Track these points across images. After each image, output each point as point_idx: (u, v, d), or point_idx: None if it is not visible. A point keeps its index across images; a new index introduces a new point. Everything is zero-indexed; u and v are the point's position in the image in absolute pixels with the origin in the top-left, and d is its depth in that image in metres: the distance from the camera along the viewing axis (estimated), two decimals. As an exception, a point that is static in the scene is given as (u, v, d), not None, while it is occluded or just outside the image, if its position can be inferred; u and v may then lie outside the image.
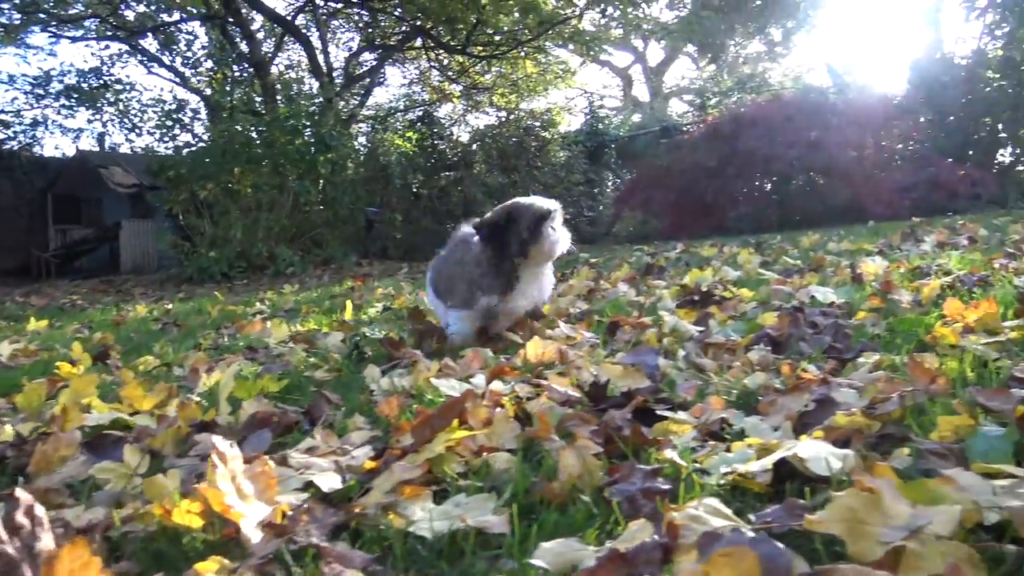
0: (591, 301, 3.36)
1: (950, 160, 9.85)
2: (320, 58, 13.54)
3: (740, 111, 10.90)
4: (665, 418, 1.43)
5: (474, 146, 12.63)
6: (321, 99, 11.28)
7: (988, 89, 10.14)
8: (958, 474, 0.99)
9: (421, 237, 11.13)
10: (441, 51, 13.63)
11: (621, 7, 9.77)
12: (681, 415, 1.46)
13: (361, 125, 14.57)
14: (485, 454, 1.35)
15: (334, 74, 13.84)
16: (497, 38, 12.88)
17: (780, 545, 0.78)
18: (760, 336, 2.09)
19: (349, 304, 3.97)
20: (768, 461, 1.04)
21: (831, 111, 10.23)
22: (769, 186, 11.11)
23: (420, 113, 13.78)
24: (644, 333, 2.36)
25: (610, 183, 15.05)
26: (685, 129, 12.66)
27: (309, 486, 1.30)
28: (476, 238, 2.62)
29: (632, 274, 4.03)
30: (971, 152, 10.16)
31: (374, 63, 14.40)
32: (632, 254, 6.85)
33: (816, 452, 1.02)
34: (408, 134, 12.50)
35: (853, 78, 12.50)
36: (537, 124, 12.71)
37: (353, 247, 10.33)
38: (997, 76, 10.19)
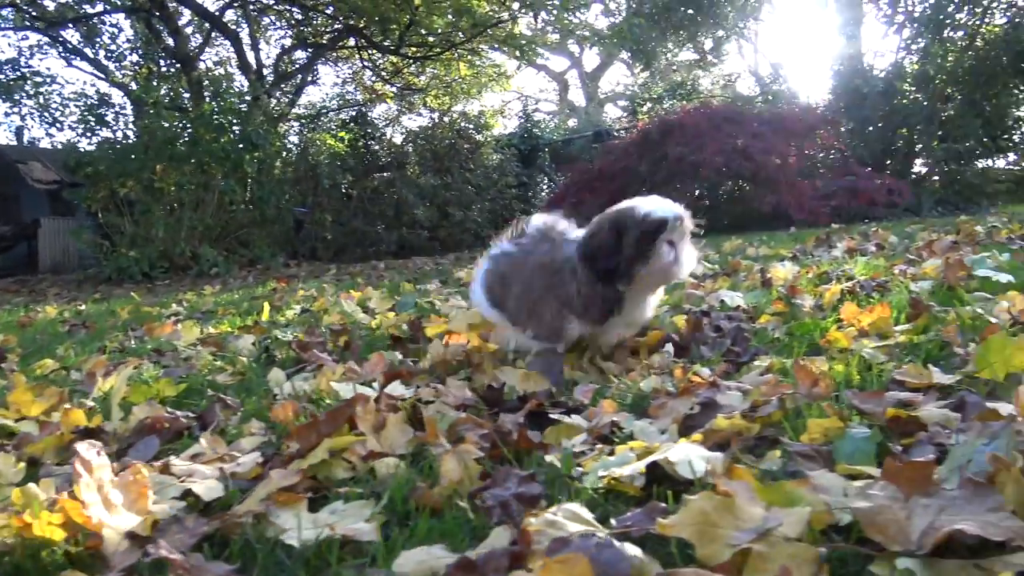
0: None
1: (869, 169, 10.19)
2: (250, 55, 13.28)
3: (669, 118, 11.08)
4: (558, 422, 1.43)
5: (407, 147, 12.54)
6: (249, 97, 11.07)
7: (904, 101, 10.52)
8: (821, 476, 1.01)
9: (352, 238, 11.00)
10: (374, 51, 13.50)
11: (555, 12, 9.82)
12: (574, 419, 1.47)
13: (293, 124, 14.35)
14: (373, 460, 1.33)
15: (264, 71, 13.59)
16: (431, 39, 12.82)
17: (631, 549, 0.78)
18: (665, 339, 2.12)
19: (267, 306, 3.89)
20: (640, 465, 1.04)
21: (757, 119, 10.48)
22: (699, 192, 11.33)
23: (353, 113, 13.63)
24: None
25: (545, 186, 15.14)
26: (617, 134, 12.81)
27: (188, 494, 1.26)
28: (566, 233, 2.09)
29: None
30: (889, 161, 10.54)
31: (306, 61, 14.17)
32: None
33: (685, 455, 1.03)
34: (340, 134, 12.35)
35: (779, 87, 12.85)
36: (471, 127, 12.70)
37: (281, 248, 10.15)
38: (913, 89, 10.59)
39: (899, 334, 1.95)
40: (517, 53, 12.59)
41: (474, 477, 1.16)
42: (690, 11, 13.06)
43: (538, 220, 2.18)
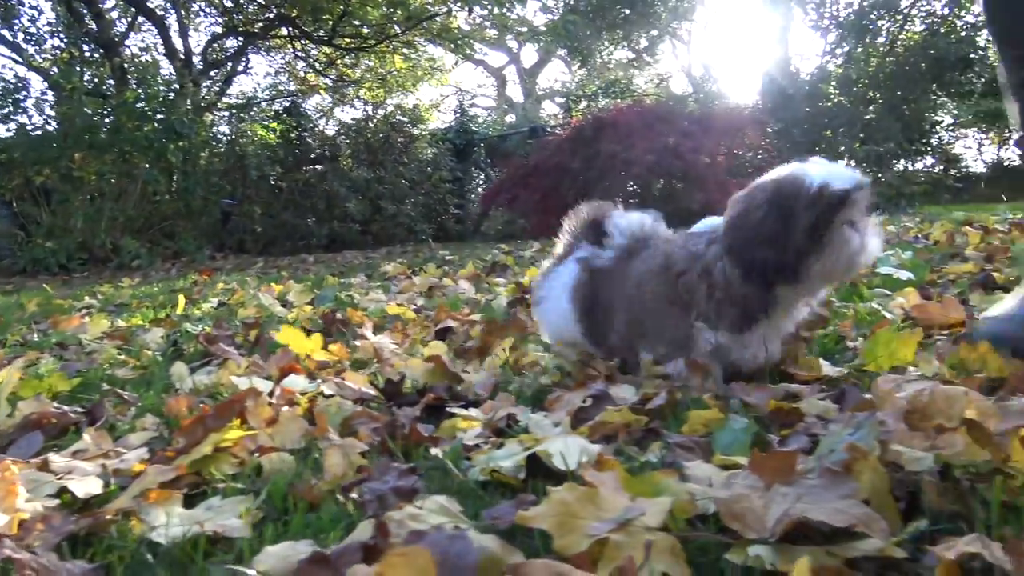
0: (431, 298, 3.34)
1: (794, 169, 10.44)
2: (178, 42, 12.90)
3: (603, 115, 11.18)
4: (455, 415, 1.43)
5: (340, 140, 12.37)
6: (177, 84, 10.75)
7: (829, 104, 10.83)
8: (696, 466, 1.03)
9: (281, 231, 10.81)
10: (307, 41, 13.26)
11: (489, 7, 9.79)
12: (472, 412, 1.46)
13: (223, 113, 14.00)
14: (263, 455, 1.30)
15: (193, 59, 13.23)
16: (365, 31, 12.65)
17: (488, 541, 0.78)
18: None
19: (182, 299, 3.79)
20: (519, 457, 1.04)
21: (688, 118, 10.66)
22: (632, 189, 11.47)
23: (287, 104, 13.38)
24: (474, 328, 2.36)
25: (481, 181, 15.12)
26: (551, 131, 12.87)
27: (64, 492, 1.21)
28: (670, 233, 1.71)
29: (476, 272, 4.05)
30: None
31: (236, 50, 13.84)
32: (489, 252, 6.89)
33: (562, 447, 1.04)
34: (272, 125, 12.10)
35: (711, 88, 13.09)
36: (405, 120, 12.59)
37: (208, 240, 9.90)
38: (837, 92, 10.90)
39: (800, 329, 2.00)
40: (452, 47, 12.52)
41: (358, 471, 1.14)
42: (624, 10, 13.21)
43: (626, 220, 1.76)
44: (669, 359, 1.52)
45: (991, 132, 11.47)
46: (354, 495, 1.03)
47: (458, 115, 14.94)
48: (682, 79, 18.40)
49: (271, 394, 1.57)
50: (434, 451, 1.16)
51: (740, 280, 1.44)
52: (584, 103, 16.00)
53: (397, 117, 12.63)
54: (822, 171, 1.39)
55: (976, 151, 13.90)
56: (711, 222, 1.59)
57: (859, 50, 10.67)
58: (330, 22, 12.02)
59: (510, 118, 20.49)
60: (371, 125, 12.44)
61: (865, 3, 10.82)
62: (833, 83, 11.16)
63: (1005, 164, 12.59)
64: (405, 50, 13.35)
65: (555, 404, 1.42)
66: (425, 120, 13.23)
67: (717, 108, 11.27)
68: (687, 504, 0.87)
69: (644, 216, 1.78)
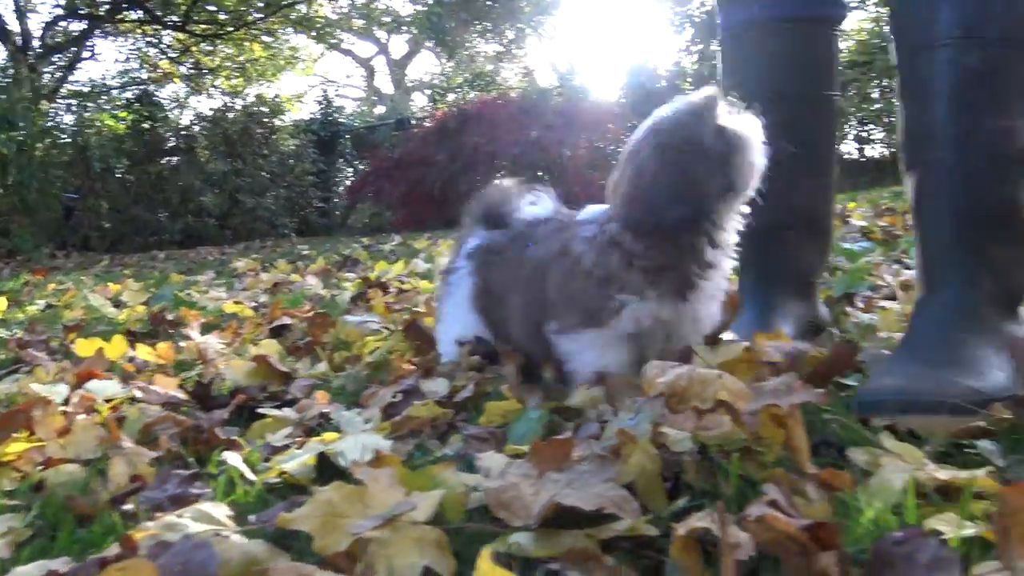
0: (275, 295, 3.25)
1: (653, 161, 10.82)
2: (14, 24, 11.97)
3: (467, 108, 11.20)
4: (265, 416, 1.39)
5: (196, 130, 11.83)
6: (11, 70, 10.00)
7: (685, 99, 11.26)
8: (488, 457, 1.04)
9: (130, 227, 10.24)
10: (159, 27, 12.60)
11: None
12: (285, 412, 1.43)
13: (70, 102, 13.10)
14: (51, 467, 1.22)
15: (32, 43, 12.31)
16: (222, 17, 12.15)
17: (249, 547, 0.76)
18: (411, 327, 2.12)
19: (3, 301, 3.52)
20: (305, 457, 1.03)
21: (552, 112, 10.82)
22: (500, 180, 11.53)
23: (138, 93, 12.67)
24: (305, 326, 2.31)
25: (348, 174, 14.84)
26: (417, 123, 12.78)
27: None
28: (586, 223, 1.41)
29: (326, 267, 3.97)
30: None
31: (80, 34, 12.98)
32: (350, 246, 6.78)
33: (351, 445, 1.03)
34: (122, 115, 11.44)
35: (576, 82, 13.34)
36: (266, 110, 12.18)
37: (49, 237, 9.26)
38: (693, 88, 11.35)
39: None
40: (315, 36, 12.21)
41: (151, 480, 1.09)
42: (488, 2, 13.27)
43: (529, 202, 1.58)
44: (579, 331, 1.32)
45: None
46: (130, 505, 0.98)
47: (323, 106, 14.58)
48: (549, 73, 18.69)
49: (67, 402, 1.48)
50: (228, 455, 1.12)
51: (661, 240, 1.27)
52: (452, 95, 15.99)
53: (257, 107, 12.20)
54: (684, 107, 1.29)
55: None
56: (594, 210, 1.47)
57: (712, 48, 11.15)
58: (183, 7, 11.47)
59: (380, 109, 20.20)
60: (229, 115, 11.96)
61: (712, 6, 11.32)
62: (689, 80, 11.61)
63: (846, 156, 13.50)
64: (265, 38, 12.91)
65: (369, 400, 1.40)
66: (287, 110, 12.85)
67: (581, 102, 11.50)
68: (461, 496, 0.88)
69: (539, 195, 1.61)
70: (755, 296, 1.63)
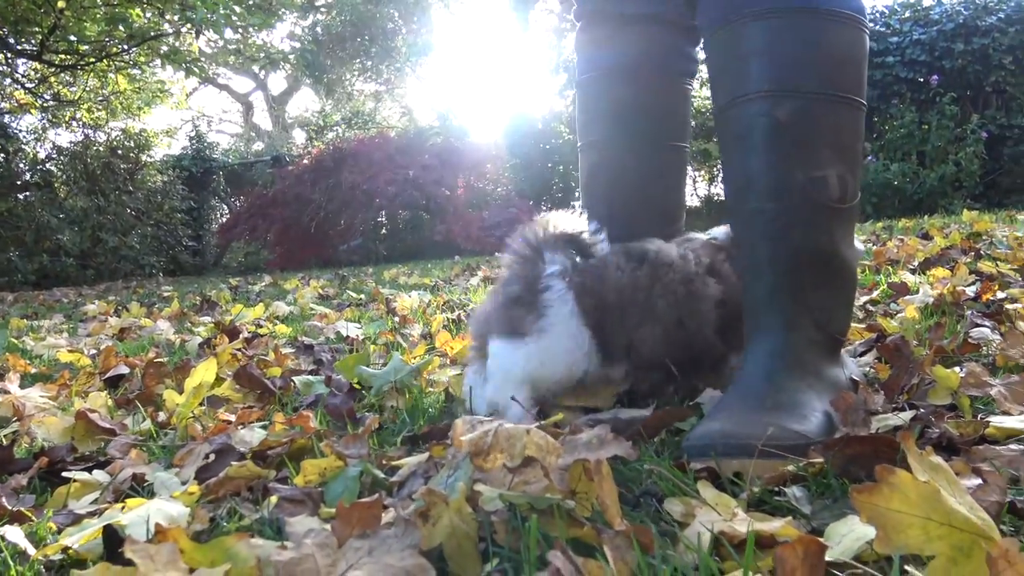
0: (122, 340, 3.05)
1: (531, 202, 11.01)
2: None
3: (343, 146, 11.08)
4: (71, 480, 1.27)
5: (54, 165, 11.17)
6: None
7: (560, 142, 11.54)
8: (299, 522, 0.97)
9: (-22, 267, 9.52)
10: (12, 55, 11.87)
11: (215, 28, 9.34)
12: (96, 475, 1.31)
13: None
14: None
15: None
16: (83, 47, 11.56)
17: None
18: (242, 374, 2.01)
19: None
20: (89, 531, 0.93)
21: (429, 151, 10.85)
22: (382, 219, 11.45)
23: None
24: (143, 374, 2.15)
25: (223, 212, 14.35)
26: (291, 160, 12.51)
27: None
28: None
29: (181, 311, 3.77)
30: (545, 197, 11.47)
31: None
32: (217, 287, 6.51)
33: (143, 514, 0.94)
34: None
35: (453, 122, 13.44)
36: (131, 144, 11.65)
37: None
38: (567, 131, 11.64)
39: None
40: (184, 69, 11.78)
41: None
42: (366, 42, 13.23)
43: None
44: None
45: (701, 170, 12.78)
46: None
47: (194, 141, 14.09)
48: (428, 112, 18.77)
49: None
50: (5, 529, 1.01)
51: None
52: (332, 133, 15.80)
53: (122, 142, 11.65)
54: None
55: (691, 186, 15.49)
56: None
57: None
58: (39, 35, 10.84)
59: (258, 146, 19.71)
60: (91, 150, 11.36)
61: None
62: (564, 122, 11.90)
63: (715, 199, 14.13)
64: (131, 70, 12.37)
65: (186, 459, 1.30)
66: (155, 145, 12.33)
67: (458, 142, 11.59)
68: (252, 571, 0.81)
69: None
70: None
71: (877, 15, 9.88)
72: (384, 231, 11.73)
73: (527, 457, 0.86)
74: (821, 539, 0.58)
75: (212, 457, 1.23)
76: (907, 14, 9.71)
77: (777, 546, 0.60)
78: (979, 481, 0.83)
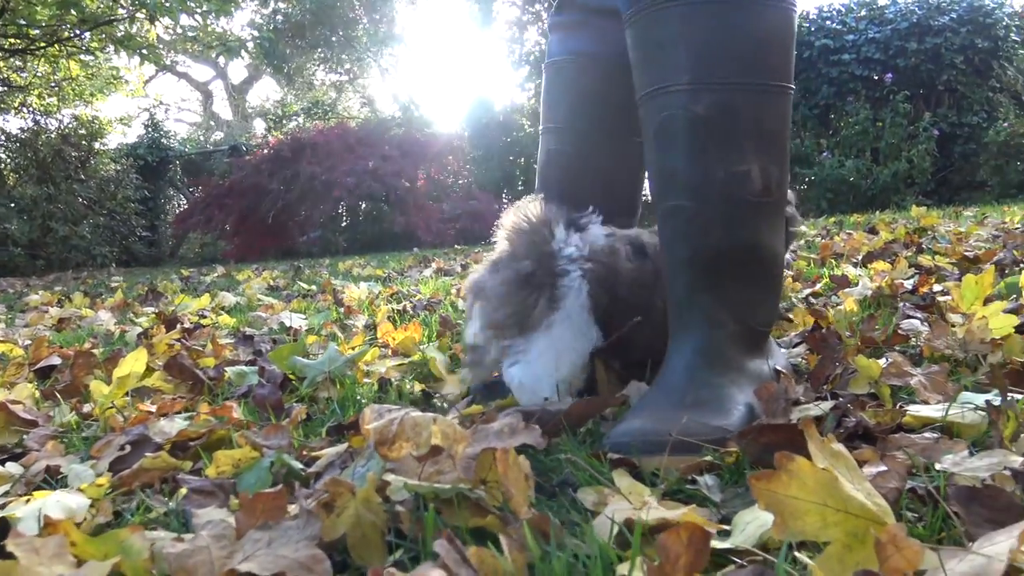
0: (60, 331, 2.97)
1: (492, 194, 11.00)
2: None
3: (302, 136, 10.95)
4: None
5: (1, 153, 10.89)
6: None
7: (521, 134, 11.53)
8: (207, 513, 0.95)
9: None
10: (-42, 38, 11.52)
11: (169, 15, 9.16)
12: (10, 467, 1.27)
13: None
14: None
15: None
16: (33, 32, 11.26)
17: None
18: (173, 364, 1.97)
19: None
20: (-18, 524, 0.90)
21: (389, 142, 10.77)
22: (342, 210, 11.35)
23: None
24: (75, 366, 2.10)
25: (178, 202, 14.11)
26: (249, 150, 12.33)
27: None
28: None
29: (125, 301, 3.69)
30: (506, 189, 11.46)
31: None
32: (169, 277, 6.39)
33: (39, 508, 0.91)
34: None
35: (416, 114, 13.37)
36: (84, 132, 11.38)
37: None
38: (528, 123, 11.64)
39: (422, 351, 2.01)
40: (140, 56, 11.53)
41: None
42: (327, 31, 13.08)
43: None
44: None
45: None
46: None
47: (150, 129, 13.81)
48: (391, 103, 18.64)
49: None
50: None
51: None
52: (293, 123, 15.61)
53: (74, 129, 11.38)
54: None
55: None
56: None
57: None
58: (-13, 18, 10.53)
59: (218, 136, 19.41)
60: (41, 137, 11.09)
61: (547, 44, 11.68)
62: (525, 115, 11.89)
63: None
64: (83, 56, 12.08)
65: (102, 451, 1.27)
66: (108, 133, 12.07)
67: (420, 134, 11.52)
68: (145, 563, 0.78)
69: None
70: None
71: (834, 13, 10.00)
72: (344, 222, 11.63)
73: (434, 446, 0.85)
74: (707, 526, 0.58)
75: (128, 448, 1.19)
76: (863, 12, 9.85)
77: (661, 533, 0.59)
78: (882, 468, 0.83)
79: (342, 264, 5.93)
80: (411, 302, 2.75)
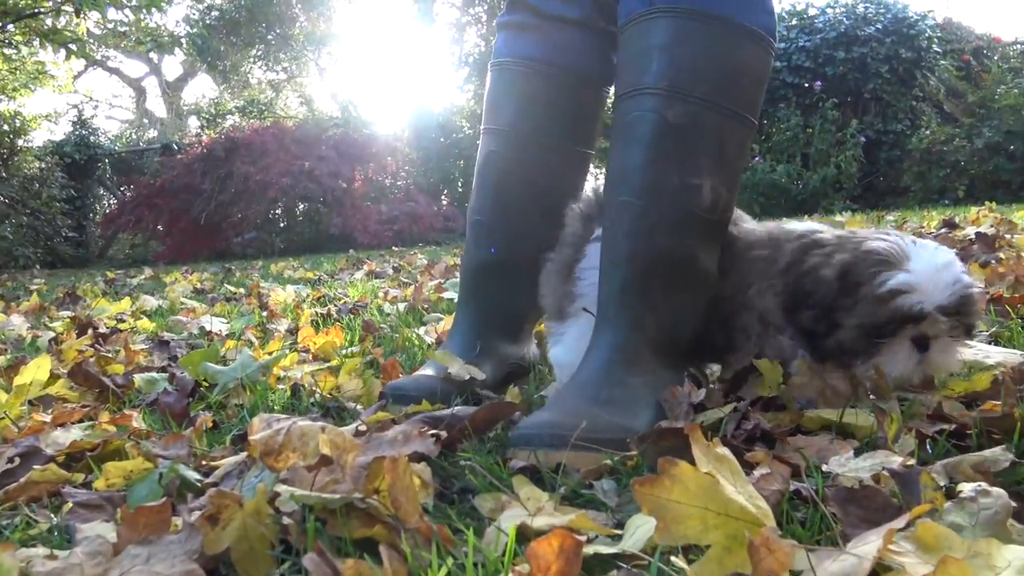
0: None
1: (430, 196, 10.95)
2: None
3: (235, 135, 10.74)
4: None
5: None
6: None
7: (460, 136, 11.50)
8: (92, 528, 0.92)
9: None
10: None
11: (97, 8, 8.87)
12: None
13: None
14: None
15: None
16: (-49, 23, 10.79)
17: None
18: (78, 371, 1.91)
19: None
20: None
21: (326, 142, 10.62)
22: (279, 212, 11.16)
23: None
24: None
25: (107, 201, 13.68)
26: (180, 148, 12.01)
27: None
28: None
29: (40, 305, 3.56)
30: (445, 190, 11.42)
31: None
32: (94, 280, 6.19)
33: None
34: None
35: (354, 114, 13.22)
36: (6, 129, 10.95)
37: None
38: (467, 125, 11.62)
39: (343, 357, 1.99)
40: (67, 51, 11.14)
41: None
42: (262, 29, 12.85)
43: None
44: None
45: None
46: None
47: (78, 127, 13.35)
48: (330, 103, 18.41)
49: None
50: None
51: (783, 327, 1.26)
52: (229, 122, 15.28)
53: (-4, 125, 10.94)
54: (917, 262, 1.13)
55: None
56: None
57: (481, 86, 11.47)
58: (-101, 9, 10.05)
59: (151, 134, 18.88)
60: (-42, 134, 10.64)
61: (486, 46, 11.72)
62: (464, 117, 11.87)
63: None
64: (6, 50, 11.62)
65: (-8, 464, 1.22)
66: (32, 130, 11.64)
67: (357, 134, 11.39)
68: (8, 581, 0.75)
69: None
70: (463, 332, 1.61)
71: (766, 21, 10.23)
72: (282, 224, 11.43)
73: (323, 456, 0.83)
74: (599, 531, 0.58)
75: (17, 461, 1.14)
76: (794, 21, 10.10)
77: (532, 541, 0.59)
78: (766, 471, 0.84)
79: (275, 266, 5.83)
80: (336, 305, 2.72)
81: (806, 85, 9.62)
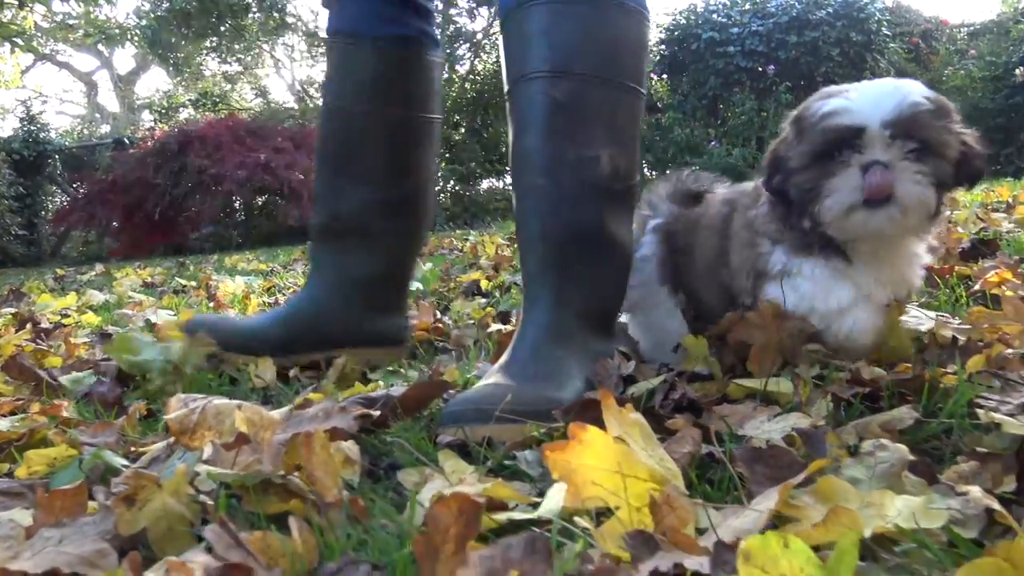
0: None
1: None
2: None
3: (189, 128, 10.56)
4: None
5: None
6: None
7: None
8: (14, 515, 0.90)
9: None
10: None
11: (42, 1, 8.64)
12: None
13: None
14: None
15: None
16: None
17: None
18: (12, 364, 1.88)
19: None
20: None
21: (282, 134, 10.50)
22: (237, 205, 11.02)
23: None
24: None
25: (58, 198, 13.39)
26: (133, 142, 11.78)
27: None
28: None
29: (-18, 302, 3.49)
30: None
31: None
32: (43, 277, 6.07)
33: None
34: None
35: (312, 104, 13.07)
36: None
37: None
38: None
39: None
40: (11, 44, 10.89)
41: None
42: (214, 20, 12.63)
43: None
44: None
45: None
46: None
47: (26, 122, 13.02)
48: (287, 95, 18.19)
49: None
50: None
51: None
52: (183, 115, 15.01)
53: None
54: (846, 95, 1.11)
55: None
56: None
57: (445, 77, 11.40)
58: None
59: (104, 129, 18.50)
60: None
61: (448, 32, 11.64)
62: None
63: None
64: (-52, 44, 11.31)
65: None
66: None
67: (313, 125, 11.26)
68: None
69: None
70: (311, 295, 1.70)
71: (720, 6, 10.31)
72: (240, 217, 11.29)
73: (240, 434, 0.83)
74: (477, 496, 0.59)
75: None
76: (747, 6, 10.18)
77: (432, 504, 0.60)
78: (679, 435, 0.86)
79: (229, 259, 5.77)
80: (286, 295, 2.70)
81: (760, 69, 9.71)
